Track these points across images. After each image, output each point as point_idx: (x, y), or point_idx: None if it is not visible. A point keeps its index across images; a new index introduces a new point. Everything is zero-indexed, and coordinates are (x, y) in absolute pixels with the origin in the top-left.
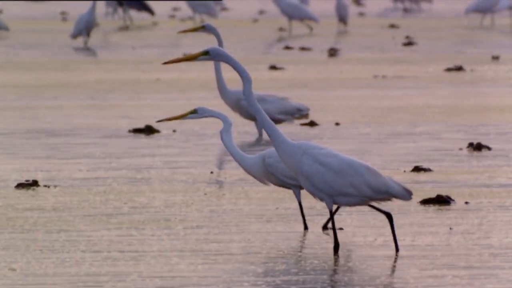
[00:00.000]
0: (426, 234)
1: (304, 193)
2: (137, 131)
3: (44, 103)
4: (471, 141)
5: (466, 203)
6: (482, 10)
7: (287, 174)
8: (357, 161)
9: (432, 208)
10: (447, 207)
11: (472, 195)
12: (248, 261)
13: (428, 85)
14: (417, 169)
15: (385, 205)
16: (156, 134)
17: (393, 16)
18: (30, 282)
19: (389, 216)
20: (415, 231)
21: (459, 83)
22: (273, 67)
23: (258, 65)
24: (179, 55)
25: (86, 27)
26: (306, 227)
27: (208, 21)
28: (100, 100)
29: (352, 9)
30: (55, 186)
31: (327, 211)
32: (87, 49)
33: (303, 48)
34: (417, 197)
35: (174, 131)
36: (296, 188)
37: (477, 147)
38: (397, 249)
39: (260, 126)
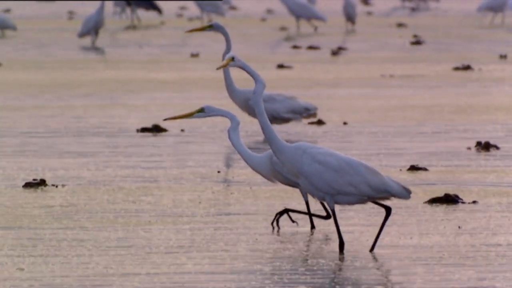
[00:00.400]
0: (434, 234)
1: None
2: (145, 130)
3: (52, 102)
4: (479, 140)
5: (474, 202)
6: (495, 8)
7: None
8: (355, 160)
9: (439, 207)
10: (454, 206)
11: (480, 195)
12: (255, 261)
13: (436, 84)
14: (413, 168)
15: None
16: (164, 133)
17: (401, 15)
18: (38, 281)
19: (388, 211)
20: (423, 230)
21: (467, 82)
22: (281, 66)
23: (266, 64)
24: (187, 54)
25: (94, 27)
26: (313, 226)
27: (216, 20)
28: (108, 99)
29: (360, 8)
30: (63, 186)
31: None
32: (95, 49)
33: (311, 47)
34: (425, 197)
35: (182, 130)
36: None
37: (485, 146)
38: (372, 247)
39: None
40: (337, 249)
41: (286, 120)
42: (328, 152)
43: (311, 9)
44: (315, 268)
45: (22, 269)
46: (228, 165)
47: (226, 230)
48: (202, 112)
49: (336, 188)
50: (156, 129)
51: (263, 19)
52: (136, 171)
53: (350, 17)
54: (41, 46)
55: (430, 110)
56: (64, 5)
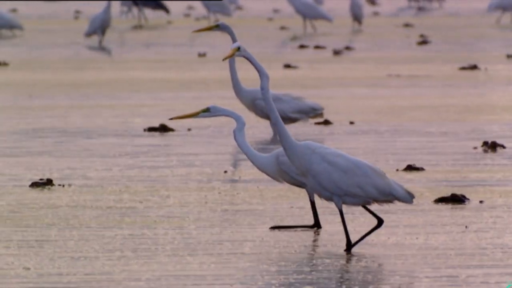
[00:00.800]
0: (440, 233)
1: None
2: (152, 130)
3: (59, 102)
4: (485, 140)
5: (481, 202)
6: (505, 7)
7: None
8: (363, 161)
9: (446, 207)
10: (461, 206)
11: (486, 194)
12: (261, 260)
13: (442, 84)
14: (409, 167)
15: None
16: (170, 133)
17: (407, 15)
18: (45, 281)
19: (379, 223)
20: (429, 230)
21: (473, 82)
22: (287, 66)
23: (272, 63)
24: (194, 54)
25: (101, 26)
26: (319, 226)
27: (223, 20)
28: (115, 99)
29: (367, 9)
30: (69, 185)
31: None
32: (102, 48)
33: (317, 47)
34: (432, 196)
35: (189, 130)
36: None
37: (492, 146)
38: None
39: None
40: (343, 248)
41: (293, 120)
42: (336, 152)
43: (318, 9)
44: (320, 268)
45: (28, 269)
46: (235, 165)
47: (232, 230)
48: (207, 112)
49: (344, 189)
50: (163, 129)
51: (270, 19)
52: (143, 171)
53: (357, 17)
54: (48, 45)
55: (436, 110)
56: (70, 4)
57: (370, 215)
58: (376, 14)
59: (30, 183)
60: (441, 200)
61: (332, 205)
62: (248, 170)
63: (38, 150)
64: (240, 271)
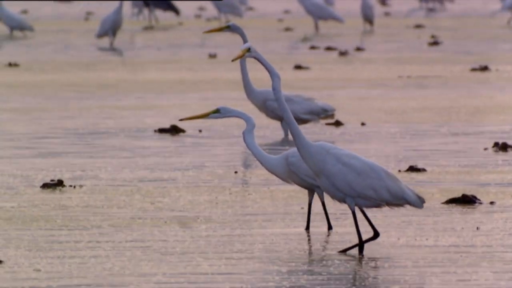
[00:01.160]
0: (450, 234)
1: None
2: (162, 131)
3: (70, 103)
4: (496, 140)
5: (492, 203)
6: None
7: (309, 173)
8: (377, 164)
9: (457, 208)
10: (472, 207)
11: (497, 195)
12: (272, 261)
13: (453, 85)
14: (411, 169)
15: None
16: (181, 134)
17: (418, 16)
18: (55, 282)
19: (375, 235)
20: (439, 231)
21: (484, 83)
22: (298, 67)
23: (283, 64)
24: (205, 55)
25: (112, 27)
26: (330, 227)
27: (234, 20)
28: (125, 100)
29: (378, 9)
30: (80, 186)
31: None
32: (112, 49)
33: (328, 48)
34: (442, 197)
35: (199, 131)
36: (319, 189)
37: (503, 147)
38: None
39: (284, 125)
40: (354, 249)
41: (304, 121)
42: (351, 154)
43: (329, 10)
44: (331, 268)
45: (38, 270)
46: (245, 166)
47: (243, 231)
48: (217, 113)
49: (357, 191)
50: (174, 130)
51: (281, 20)
52: (153, 172)
53: (368, 18)
54: (59, 47)
55: (447, 111)
56: (81, 5)
57: (382, 216)
58: (387, 14)
59: (41, 184)
60: (452, 201)
61: (342, 206)
62: (259, 171)
63: (49, 151)
64: (251, 272)
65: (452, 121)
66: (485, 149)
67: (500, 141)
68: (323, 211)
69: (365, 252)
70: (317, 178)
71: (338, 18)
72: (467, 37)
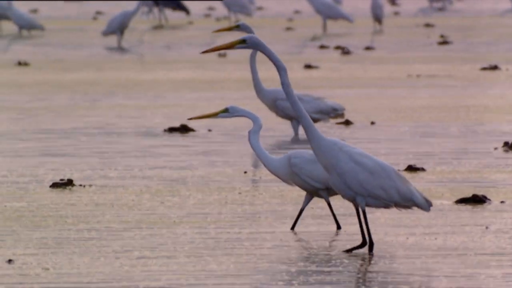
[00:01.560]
0: (459, 234)
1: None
2: (172, 130)
3: (79, 102)
4: (506, 140)
5: (502, 202)
6: None
7: (311, 175)
8: (388, 165)
9: (466, 207)
10: (482, 206)
11: (507, 195)
12: (281, 261)
13: (463, 84)
14: (410, 168)
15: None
16: (191, 133)
17: (428, 15)
18: (64, 281)
19: (363, 244)
20: (449, 231)
21: (494, 82)
22: (308, 66)
23: (293, 64)
24: (215, 54)
25: (119, 26)
26: (339, 227)
27: (243, 20)
28: (135, 99)
29: (387, 9)
30: (90, 186)
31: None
32: (121, 49)
33: (338, 47)
34: (452, 197)
35: (209, 130)
36: (322, 191)
37: None
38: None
39: (295, 119)
40: (363, 249)
41: (314, 121)
42: (363, 153)
43: (338, 9)
44: (340, 268)
45: (47, 269)
46: (255, 166)
47: (252, 230)
48: (226, 112)
49: (368, 190)
50: (184, 129)
51: (290, 19)
52: (163, 172)
53: (377, 18)
54: (68, 46)
55: (457, 110)
56: (91, 5)
57: (390, 215)
58: (396, 14)
59: (50, 183)
60: (462, 200)
61: (351, 206)
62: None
63: (59, 150)
64: (260, 271)
65: (462, 120)
66: (495, 148)
67: (510, 141)
68: (330, 213)
69: (375, 252)
70: (328, 174)
71: (347, 17)
72: (476, 37)
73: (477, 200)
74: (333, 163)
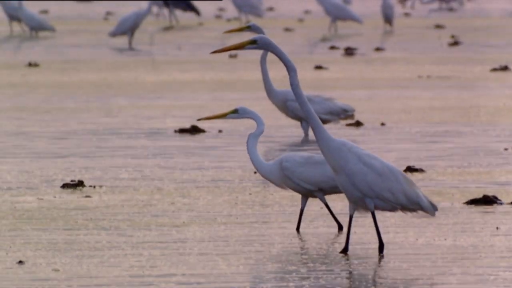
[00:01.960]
0: (469, 235)
1: (330, 197)
2: (183, 131)
3: (90, 103)
4: None
5: None
6: None
7: (303, 178)
8: (395, 167)
9: (477, 208)
10: (492, 207)
11: None
12: (291, 261)
13: (473, 85)
14: (409, 169)
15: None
16: (201, 134)
17: (438, 16)
18: (74, 282)
19: (344, 250)
20: (458, 231)
21: (505, 83)
22: (318, 67)
23: (303, 64)
24: (225, 55)
25: (131, 27)
26: (341, 227)
27: (254, 21)
28: (146, 100)
29: (397, 10)
30: (100, 186)
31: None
32: (132, 50)
33: (348, 48)
34: (463, 198)
35: (220, 131)
36: (318, 192)
37: None
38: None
39: (305, 121)
40: (371, 250)
41: (324, 122)
42: (371, 154)
43: (347, 10)
44: (350, 268)
45: (57, 270)
46: None
47: (262, 231)
48: (236, 113)
49: (376, 192)
50: (194, 130)
51: (301, 20)
52: (174, 172)
53: (388, 18)
54: (78, 47)
55: (467, 111)
56: (101, 5)
57: (400, 216)
58: (407, 15)
59: (61, 184)
60: (473, 201)
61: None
62: None
63: (70, 151)
64: (270, 272)
65: (472, 121)
66: (505, 149)
67: None
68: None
69: (384, 252)
70: (335, 174)
71: (357, 18)
72: (487, 37)
73: (487, 201)
74: (342, 164)
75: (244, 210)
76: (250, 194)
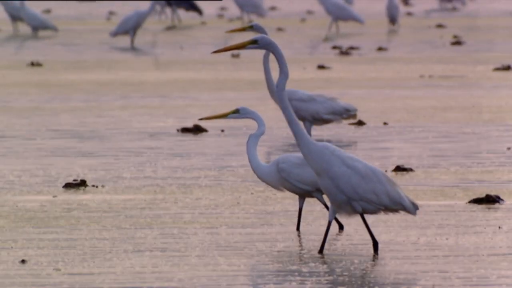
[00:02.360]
0: (472, 234)
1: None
2: (185, 130)
3: (93, 103)
4: None
5: None
6: None
7: (300, 179)
8: (377, 168)
9: (479, 207)
10: (495, 207)
11: None
12: (292, 261)
13: (475, 85)
14: (398, 169)
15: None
16: (204, 134)
17: (441, 16)
18: (76, 281)
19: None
20: (461, 231)
21: (507, 83)
22: (321, 67)
23: (306, 64)
24: (228, 55)
25: (134, 27)
26: (341, 227)
27: (256, 20)
28: (148, 100)
29: (400, 9)
30: (103, 186)
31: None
32: (134, 49)
33: (351, 48)
34: (465, 197)
35: (222, 130)
36: (316, 193)
37: None
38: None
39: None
40: (372, 249)
41: (326, 121)
42: (353, 157)
43: (349, 10)
44: (351, 268)
45: (59, 269)
46: None
47: (264, 230)
48: (237, 113)
49: (360, 194)
50: (197, 129)
51: (303, 20)
52: (176, 172)
53: (393, 18)
54: (81, 46)
55: (470, 111)
56: (103, 5)
57: (401, 215)
58: (409, 14)
59: (63, 183)
60: (475, 201)
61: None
62: None
63: (72, 151)
64: (272, 272)
65: (475, 120)
66: (508, 148)
67: None
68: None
69: (384, 251)
70: (318, 178)
71: (358, 18)
72: (489, 37)
73: (490, 200)
74: (325, 167)
75: (246, 209)
76: (252, 193)
